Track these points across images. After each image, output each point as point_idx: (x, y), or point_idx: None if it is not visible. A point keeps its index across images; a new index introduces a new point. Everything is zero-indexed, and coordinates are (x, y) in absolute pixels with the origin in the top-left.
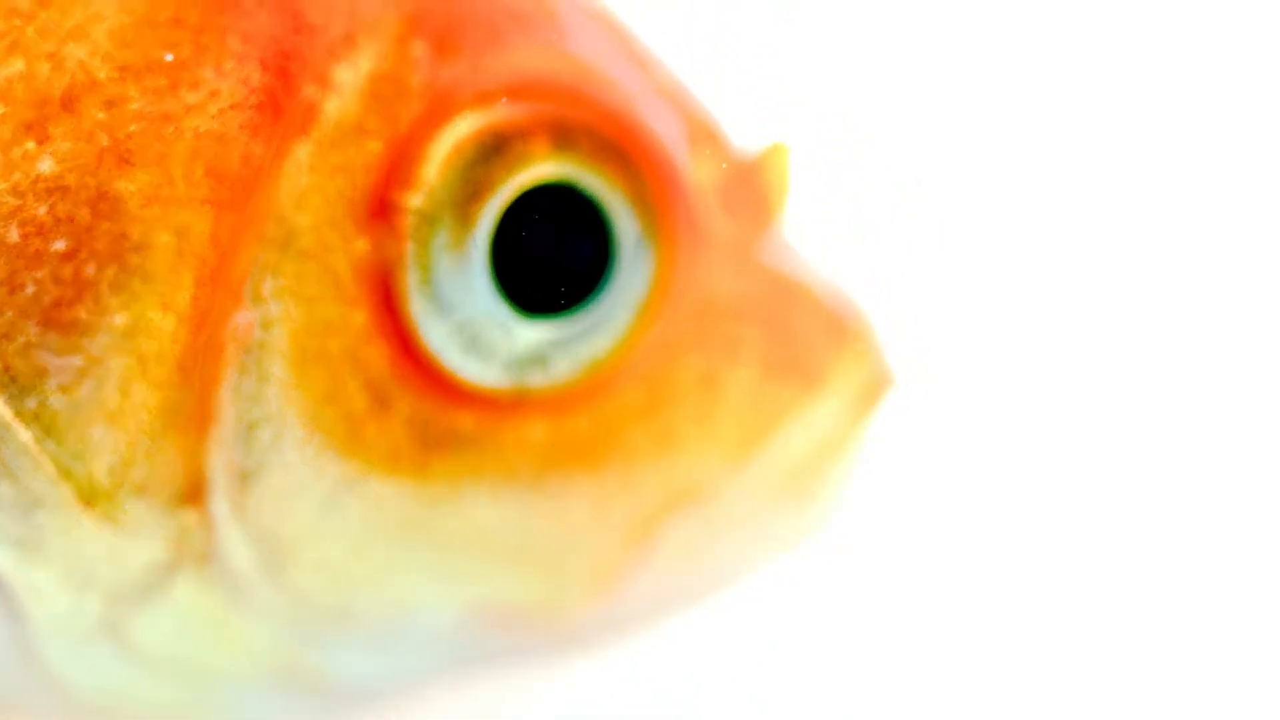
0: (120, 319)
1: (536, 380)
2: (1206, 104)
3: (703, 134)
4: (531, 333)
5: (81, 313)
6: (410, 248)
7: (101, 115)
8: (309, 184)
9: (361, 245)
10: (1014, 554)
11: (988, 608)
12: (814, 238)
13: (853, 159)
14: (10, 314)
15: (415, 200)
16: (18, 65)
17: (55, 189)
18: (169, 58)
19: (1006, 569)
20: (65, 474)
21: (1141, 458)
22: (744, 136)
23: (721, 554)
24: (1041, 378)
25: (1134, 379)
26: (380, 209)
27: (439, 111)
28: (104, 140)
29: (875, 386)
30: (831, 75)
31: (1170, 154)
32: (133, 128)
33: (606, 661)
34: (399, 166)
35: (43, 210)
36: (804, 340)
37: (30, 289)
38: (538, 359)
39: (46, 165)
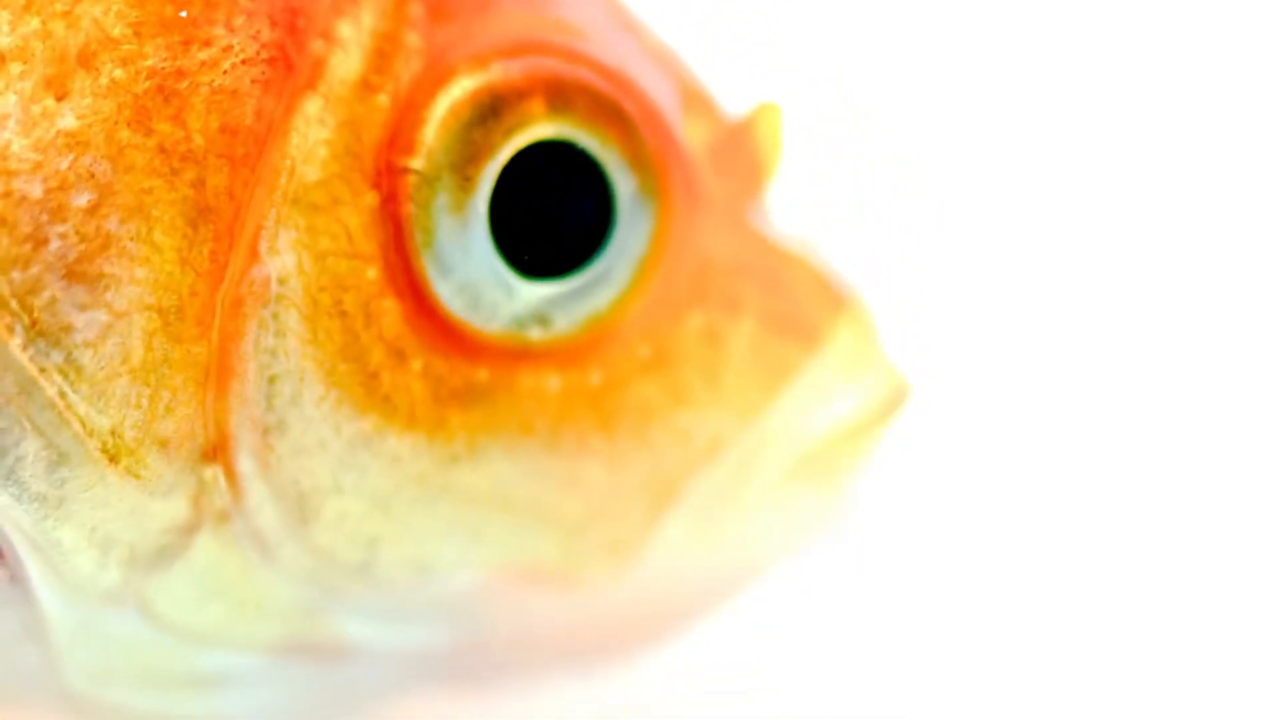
0: (142, 273)
1: (538, 335)
2: (1208, 85)
3: (693, 97)
4: (532, 292)
5: (105, 266)
6: (411, 211)
7: (118, 72)
8: (318, 138)
9: (370, 200)
10: (1009, 543)
11: (978, 599)
12: (810, 215)
13: (850, 136)
14: (36, 269)
15: (415, 163)
16: (34, 24)
17: (76, 144)
18: (182, 14)
19: (1001, 560)
20: (90, 429)
21: (1138, 444)
22: (743, 96)
23: (742, 531)
24: (1040, 363)
25: (1132, 364)
26: (384, 170)
27: (436, 74)
28: (122, 96)
29: (891, 388)
30: (828, 51)
31: (1172, 135)
32: (149, 84)
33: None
34: (399, 128)
35: (65, 165)
36: (801, 300)
37: (55, 244)
38: (539, 316)
39: (67, 121)
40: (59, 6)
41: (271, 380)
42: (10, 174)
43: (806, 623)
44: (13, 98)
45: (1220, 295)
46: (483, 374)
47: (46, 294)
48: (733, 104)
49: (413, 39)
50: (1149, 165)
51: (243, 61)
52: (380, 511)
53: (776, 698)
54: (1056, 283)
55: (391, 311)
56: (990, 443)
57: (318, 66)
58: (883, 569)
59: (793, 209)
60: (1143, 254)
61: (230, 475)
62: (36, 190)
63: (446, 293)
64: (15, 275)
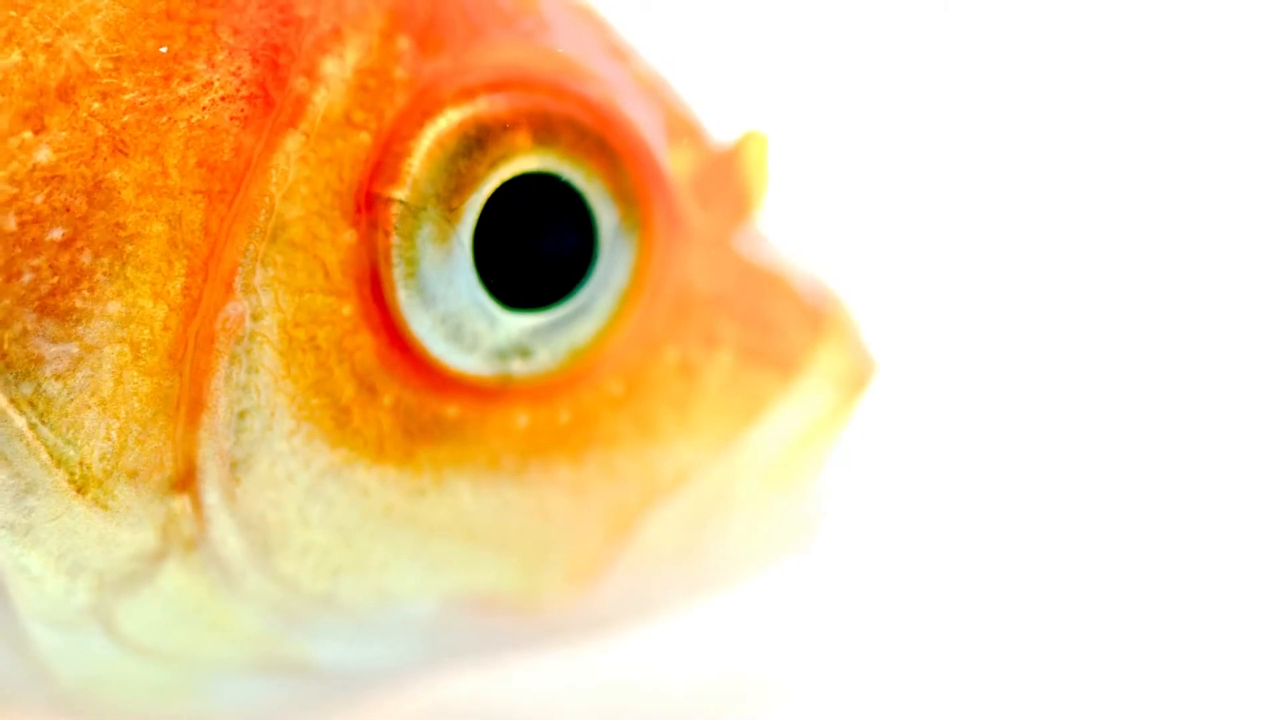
0: (114, 307)
1: (519, 369)
2: (1206, 85)
3: (680, 126)
4: (514, 323)
5: (77, 300)
6: (395, 241)
7: (97, 105)
8: (298, 175)
9: (349, 237)
10: (1000, 546)
11: (972, 601)
12: (803, 225)
13: (843, 148)
14: (7, 301)
15: (400, 194)
16: (14, 56)
17: (52, 178)
18: (163, 50)
19: (991, 561)
20: (58, 460)
21: (1130, 450)
22: (733, 120)
23: (703, 549)
24: (1032, 368)
25: (1124, 370)
26: (366, 202)
27: (422, 106)
28: (99, 130)
29: (854, 376)
30: (822, 61)
31: (1163, 142)
32: (127, 118)
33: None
34: (384, 161)
35: (40, 199)
36: (781, 330)
37: (27, 277)
38: (520, 348)
39: (44, 155)
40: (41, 39)
41: (241, 415)
42: None
43: (789, 618)
44: None
45: (1212, 295)
46: (452, 410)
47: (17, 326)
48: (727, 114)
49: (399, 73)
50: (1137, 171)
51: (222, 98)
52: (344, 543)
53: (758, 694)
54: (1046, 290)
55: (365, 347)
56: (984, 442)
57: (300, 104)
58: (866, 567)
59: (786, 217)
60: (1133, 261)
61: (197, 506)
62: (10, 224)
63: (428, 324)
64: None
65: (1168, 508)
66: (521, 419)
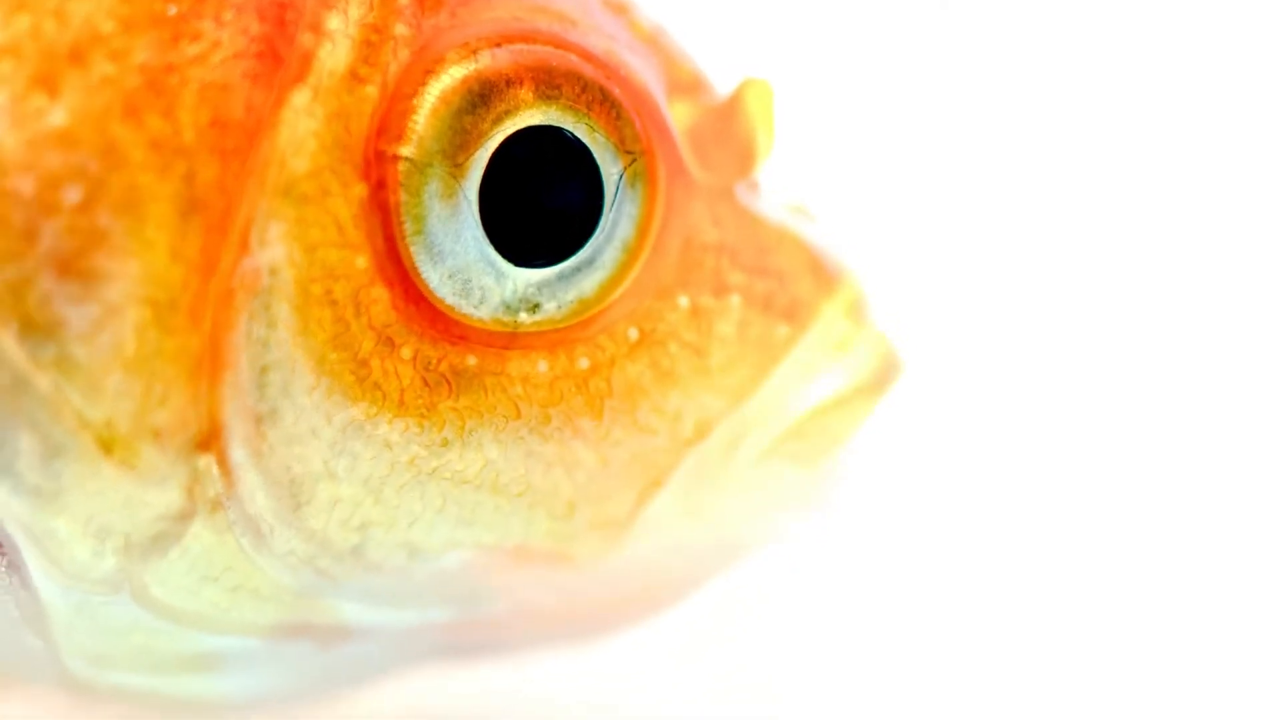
0: (134, 267)
1: (526, 320)
2: (1206, 85)
3: (683, 77)
4: (522, 277)
5: (97, 262)
6: (403, 198)
7: (108, 68)
8: (307, 130)
9: (359, 191)
10: (1000, 536)
11: (969, 587)
12: (808, 189)
13: (840, 128)
14: (28, 265)
15: (406, 151)
16: (25, 22)
17: (67, 141)
18: (171, 11)
19: (992, 544)
20: (83, 422)
21: (1130, 430)
22: (735, 70)
23: (729, 508)
24: (1035, 346)
25: (1127, 352)
26: (374, 159)
27: (424, 63)
28: (111, 92)
29: (868, 329)
30: (823, 17)
31: (1164, 131)
32: (139, 80)
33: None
34: (389, 118)
35: (55, 162)
36: (790, 278)
37: (47, 240)
38: (528, 302)
39: (58, 118)
40: (50, 4)
41: (263, 370)
42: (2, 171)
43: (794, 599)
44: (4, 95)
45: (1212, 286)
46: (471, 360)
47: (39, 290)
48: (730, 76)
49: (401, 29)
50: (1136, 157)
51: (232, 55)
52: (371, 496)
53: (763, 673)
54: (1052, 268)
55: (381, 300)
56: (988, 426)
57: (306, 59)
58: (872, 547)
59: (791, 183)
60: (1136, 238)
61: (223, 464)
62: (28, 187)
63: (436, 279)
64: (8, 271)
65: (1169, 495)
66: (540, 366)
